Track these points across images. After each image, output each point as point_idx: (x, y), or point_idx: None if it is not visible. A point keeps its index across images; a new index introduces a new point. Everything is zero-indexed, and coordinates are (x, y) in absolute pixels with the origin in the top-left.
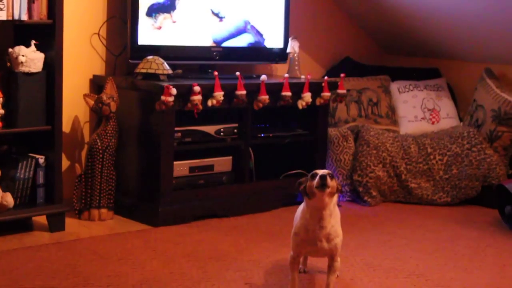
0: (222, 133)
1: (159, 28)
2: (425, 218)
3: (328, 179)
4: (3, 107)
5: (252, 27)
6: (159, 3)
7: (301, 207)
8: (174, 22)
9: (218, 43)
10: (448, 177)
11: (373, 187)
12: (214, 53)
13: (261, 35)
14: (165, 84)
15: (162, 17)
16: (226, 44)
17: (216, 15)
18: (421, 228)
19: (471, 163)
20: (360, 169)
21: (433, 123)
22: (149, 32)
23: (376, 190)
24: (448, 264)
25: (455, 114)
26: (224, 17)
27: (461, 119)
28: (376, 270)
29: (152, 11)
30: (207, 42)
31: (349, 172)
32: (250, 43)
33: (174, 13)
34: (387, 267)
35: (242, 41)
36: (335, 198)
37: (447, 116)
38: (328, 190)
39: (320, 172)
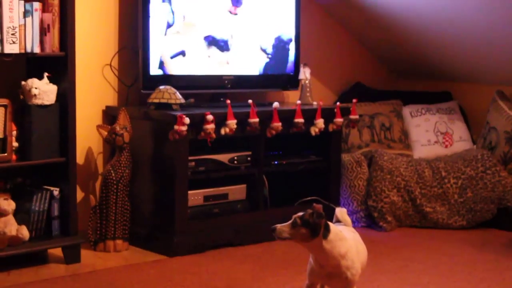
0: (235, 161)
1: (209, 56)
2: (441, 242)
3: (284, 229)
4: (17, 140)
5: (293, 64)
6: (213, 38)
7: None
8: (227, 63)
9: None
10: (463, 200)
11: (388, 212)
12: (226, 82)
13: (295, 68)
14: (178, 113)
15: (215, 49)
16: (237, 72)
17: (264, 51)
18: (437, 252)
19: (486, 186)
20: (374, 195)
21: (446, 146)
22: (165, 62)
23: (391, 215)
24: None
25: (468, 137)
26: (270, 54)
27: (474, 142)
28: None
29: (208, 42)
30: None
31: (363, 197)
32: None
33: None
34: None
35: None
36: (339, 237)
37: (460, 139)
38: (295, 239)
39: (294, 216)
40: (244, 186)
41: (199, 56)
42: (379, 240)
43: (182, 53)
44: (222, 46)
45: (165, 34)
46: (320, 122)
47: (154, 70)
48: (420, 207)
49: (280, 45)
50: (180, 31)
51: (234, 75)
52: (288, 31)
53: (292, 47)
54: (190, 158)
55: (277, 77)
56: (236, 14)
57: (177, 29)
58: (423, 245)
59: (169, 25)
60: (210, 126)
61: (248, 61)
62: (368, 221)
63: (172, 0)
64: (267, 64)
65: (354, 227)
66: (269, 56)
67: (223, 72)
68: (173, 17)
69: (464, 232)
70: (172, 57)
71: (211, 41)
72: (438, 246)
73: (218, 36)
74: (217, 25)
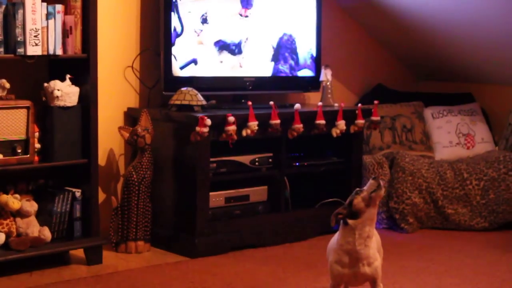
0: (257, 163)
1: (221, 62)
2: (463, 244)
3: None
4: (39, 141)
5: (312, 62)
6: (224, 42)
7: (335, 237)
8: (240, 66)
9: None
10: (485, 202)
11: (410, 214)
12: (247, 83)
13: (316, 70)
14: (200, 115)
15: (227, 54)
16: (258, 74)
17: (276, 51)
18: (459, 254)
19: (508, 188)
20: (396, 196)
21: (468, 148)
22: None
23: (413, 216)
24: None
25: (490, 138)
26: (281, 55)
27: (496, 143)
28: None
29: (219, 47)
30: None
31: (385, 199)
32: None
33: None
34: None
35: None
36: None
37: (482, 141)
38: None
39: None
40: (265, 187)
41: (211, 62)
42: (400, 242)
43: (194, 62)
44: (234, 50)
45: (174, 44)
46: (341, 124)
47: (176, 72)
48: (442, 209)
49: (292, 46)
50: (189, 40)
51: (255, 76)
52: (303, 32)
53: (302, 46)
54: (211, 159)
55: (298, 79)
56: (247, 16)
57: (186, 37)
58: (445, 247)
59: (177, 35)
60: (232, 128)
61: (260, 63)
62: (390, 223)
63: (180, 9)
64: (278, 65)
65: (376, 228)
66: (281, 56)
67: (237, 75)
68: (182, 26)
69: (486, 234)
70: (182, 68)
71: (222, 46)
72: (460, 248)
73: (229, 40)
74: (228, 29)
